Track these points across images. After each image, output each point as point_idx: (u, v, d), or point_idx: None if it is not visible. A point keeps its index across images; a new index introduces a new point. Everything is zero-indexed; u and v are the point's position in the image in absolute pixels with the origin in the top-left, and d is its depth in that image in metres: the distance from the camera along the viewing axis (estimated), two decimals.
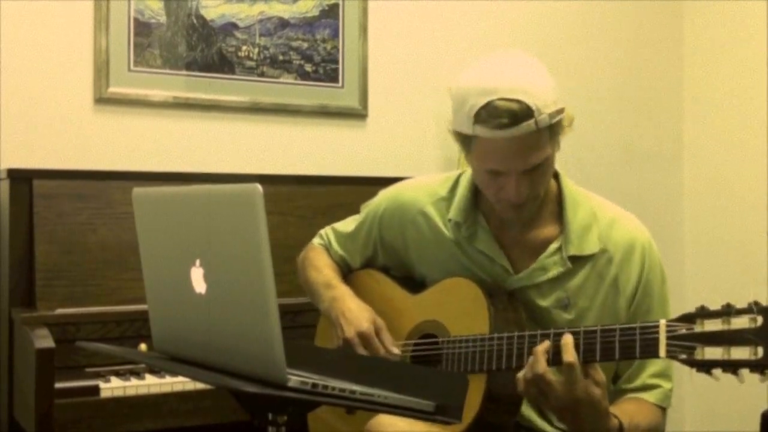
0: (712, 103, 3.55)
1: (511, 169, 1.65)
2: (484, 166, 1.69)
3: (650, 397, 1.74)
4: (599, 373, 1.54)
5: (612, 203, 1.83)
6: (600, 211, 1.78)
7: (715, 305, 1.46)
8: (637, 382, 1.75)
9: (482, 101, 1.61)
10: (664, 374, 1.76)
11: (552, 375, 1.53)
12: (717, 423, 3.41)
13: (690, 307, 1.51)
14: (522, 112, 1.59)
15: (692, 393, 3.44)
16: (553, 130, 1.64)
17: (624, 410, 1.67)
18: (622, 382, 1.76)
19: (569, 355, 1.52)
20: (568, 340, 1.54)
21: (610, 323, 1.67)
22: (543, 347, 1.55)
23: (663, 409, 1.77)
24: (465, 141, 1.68)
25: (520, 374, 1.56)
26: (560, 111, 1.63)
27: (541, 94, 1.61)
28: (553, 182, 1.78)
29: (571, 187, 1.80)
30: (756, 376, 1.41)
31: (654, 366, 1.75)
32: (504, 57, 1.68)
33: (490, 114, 1.60)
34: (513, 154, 1.63)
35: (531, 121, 1.59)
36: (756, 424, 2.89)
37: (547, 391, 1.53)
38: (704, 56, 3.58)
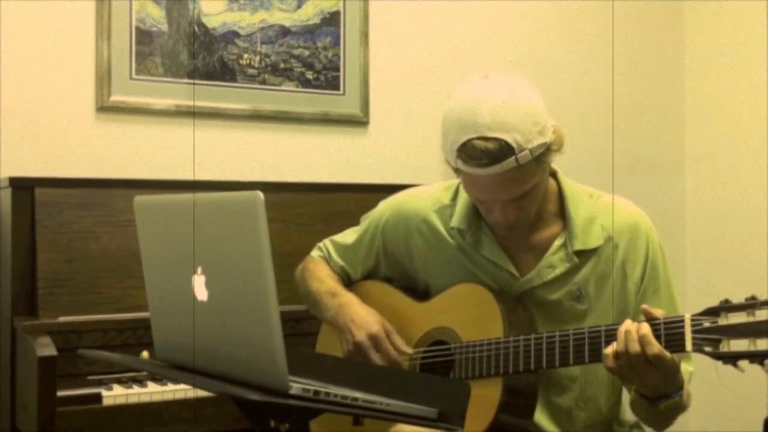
0: (714, 111, 3.55)
1: (495, 199, 1.66)
2: (470, 194, 1.72)
3: None
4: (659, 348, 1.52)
5: (606, 192, 1.84)
6: (599, 200, 1.80)
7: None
8: None
9: (462, 139, 1.60)
10: (686, 355, 1.76)
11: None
12: (720, 430, 3.40)
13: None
14: (500, 152, 1.58)
15: (696, 400, 3.42)
16: (538, 160, 1.63)
17: None
18: None
19: (654, 347, 1.50)
20: (646, 330, 1.51)
21: (620, 309, 1.70)
22: (634, 328, 1.52)
23: None
24: (453, 169, 1.69)
25: (609, 350, 1.54)
26: (543, 145, 1.61)
27: (524, 129, 1.59)
28: (552, 181, 1.79)
29: (570, 183, 1.81)
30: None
31: None
32: (489, 86, 1.64)
33: (468, 154, 1.60)
34: (496, 188, 1.64)
35: (511, 159, 1.58)
36: (759, 430, 2.89)
37: (642, 371, 1.52)
38: (705, 63, 3.58)
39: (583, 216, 1.76)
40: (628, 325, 1.54)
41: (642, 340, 1.51)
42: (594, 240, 1.75)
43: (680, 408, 1.65)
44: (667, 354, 1.51)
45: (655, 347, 1.50)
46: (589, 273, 1.75)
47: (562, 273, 1.75)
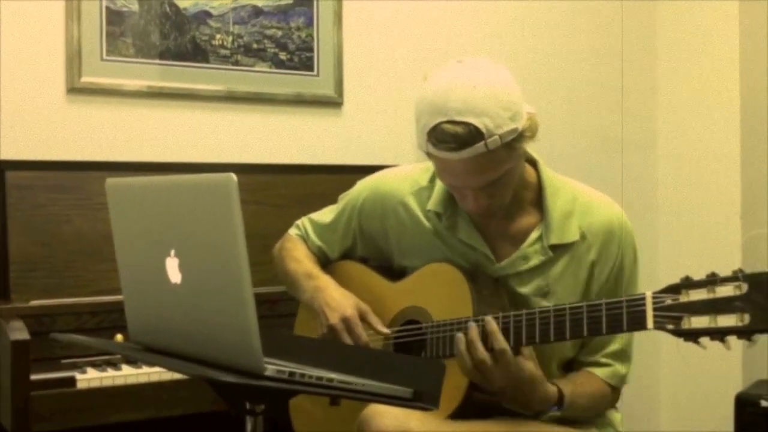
0: (685, 91, 3.57)
1: (466, 185, 1.66)
2: (443, 180, 1.72)
3: (599, 372, 1.78)
4: (526, 348, 1.61)
5: (587, 187, 1.84)
6: (579, 196, 1.79)
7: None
8: (591, 359, 1.79)
9: (432, 122, 1.60)
10: (620, 355, 1.79)
11: (489, 360, 1.59)
12: (691, 406, 3.45)
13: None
14: (469, 136, 1.57)
15: (667, 376, 3.47)
16: (510, 147, 1.61)
17: (568, 379, 1.73)
18: (579, 354, 1.80)
19: (500, 342, 1.59)
20: (493, 327, 1.60)
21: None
22: (475, 332, 1.61)
23: (612, 388, 1.79)
24: (426, 154, 1.68)
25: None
26: (514, 131, 1.60)
27: (495, 114, 1.57)
28: (531, 170, 1.79)
29: (549, 174, 1.80)
30: (742, 343, 1.44)
31: (613, 345, 1.78)
32: (462, 70, 1.63)
33: (437, 138, 1.60)
34: (466, 173, 1.63)
35: (480, 144, 1.57)
36: (730, 406, 2.93)
37: (488, 374, 1.60)
38: (677, 44, 3.60)
39: (561, 209, 1.76)
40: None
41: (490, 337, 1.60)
42: (570, 235, 1.75)
43: (588, 413, 1.72)
44: (506, 349, 1.58)
45: (501, 343, 1.59)
46: (562, 269, 1.76)
47: (535, 265, 1.75)
